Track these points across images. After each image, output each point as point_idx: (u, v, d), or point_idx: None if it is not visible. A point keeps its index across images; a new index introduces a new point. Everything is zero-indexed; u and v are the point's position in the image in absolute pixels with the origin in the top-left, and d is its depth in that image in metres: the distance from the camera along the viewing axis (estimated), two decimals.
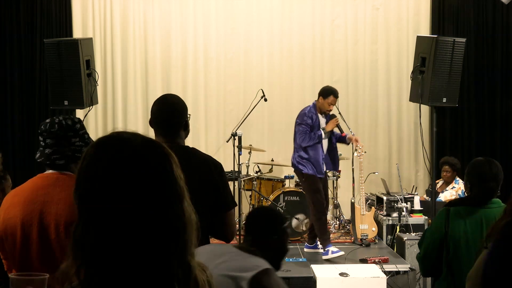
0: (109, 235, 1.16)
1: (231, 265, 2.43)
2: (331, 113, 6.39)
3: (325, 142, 6.41)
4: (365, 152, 7.56)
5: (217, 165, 2.79)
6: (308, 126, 6.27)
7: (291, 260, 6.26)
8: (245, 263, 2.46)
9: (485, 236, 2.22)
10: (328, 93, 6.30)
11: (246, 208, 7.95)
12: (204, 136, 8.48)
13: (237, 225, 6.69)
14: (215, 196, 2.72)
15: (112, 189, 1.16)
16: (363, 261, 6.01)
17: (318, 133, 6.24)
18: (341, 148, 7.01)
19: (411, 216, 6.82)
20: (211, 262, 2.39)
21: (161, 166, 1.21)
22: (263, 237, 2.59)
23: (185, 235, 1.21)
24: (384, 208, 7.00)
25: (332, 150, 6.52)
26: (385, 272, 5.48)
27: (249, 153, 7.90)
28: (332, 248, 6.21)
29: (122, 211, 1.16)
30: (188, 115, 2.85)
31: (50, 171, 2.45)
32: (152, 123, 2.82)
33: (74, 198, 1.20)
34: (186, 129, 2.82)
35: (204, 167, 2.74)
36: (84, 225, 1.18)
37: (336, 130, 6.43)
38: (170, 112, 2.79)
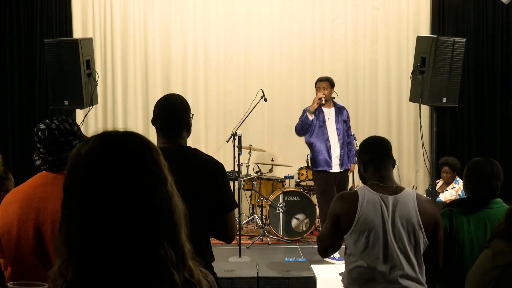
0: (98, 224, 1.20)
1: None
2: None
3: (334, 137, 6.45)
4: None
5: (219, 166, 2.77)
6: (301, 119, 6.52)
7: (291, 260, 6.26)
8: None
9: (488, 237, 2.19)
10: (315, 83, 6.60)
11: (246, 208, 7.95)
12: (204, 136, 8.48)
13: (237, 225, 6.68)
14: (216, 197, 2.71)
15: (100, 180, 1.21)
16: None
17: (303, 116, 6.44)
18: None
19: None
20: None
21: (141, 152, 1.26)
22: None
23: (173, 218, 1.25)
24: None
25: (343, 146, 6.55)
26: None
27: (249, 153, 7.90)
28: (336, 254, 6.16)
29: (110, 199, 1.20)
30: (191, 115, 2.83)
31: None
32: (154, 123, 2.80)
33: (64, 196, 1.26)
34: (188, 129, 2.80)
35: (207, 168, 2.72)
36: (72, 220, 1.23)
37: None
38: (172, 113, 2.76)
